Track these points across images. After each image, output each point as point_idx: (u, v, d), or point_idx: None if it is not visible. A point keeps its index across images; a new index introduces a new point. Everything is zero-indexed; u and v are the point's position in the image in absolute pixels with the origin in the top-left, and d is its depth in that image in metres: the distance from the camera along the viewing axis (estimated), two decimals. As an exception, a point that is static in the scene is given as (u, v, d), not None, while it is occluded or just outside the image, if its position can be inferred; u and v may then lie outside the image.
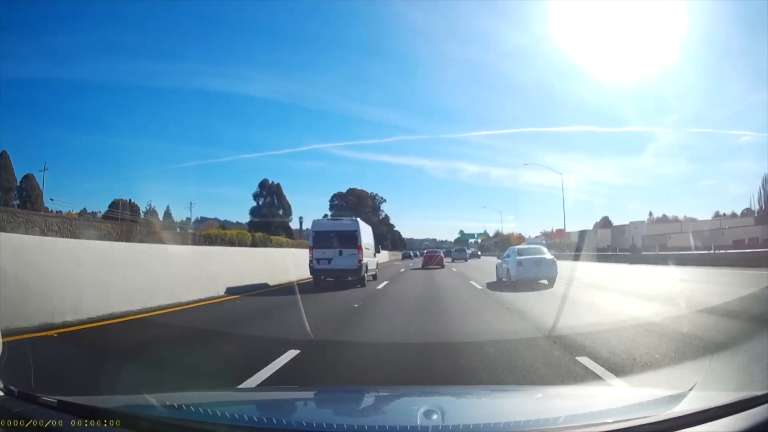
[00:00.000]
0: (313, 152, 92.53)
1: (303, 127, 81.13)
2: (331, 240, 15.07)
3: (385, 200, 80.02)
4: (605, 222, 73.97)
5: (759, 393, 1.57)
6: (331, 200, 75.55)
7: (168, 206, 63.59)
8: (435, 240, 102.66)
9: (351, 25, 62.19)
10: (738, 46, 44.58)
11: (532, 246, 16.54)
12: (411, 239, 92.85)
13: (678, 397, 1.72)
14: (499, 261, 16.36)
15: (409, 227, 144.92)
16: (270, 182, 64.97)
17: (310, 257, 15.15)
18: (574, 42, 53.32)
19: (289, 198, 64.68)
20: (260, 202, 64.24)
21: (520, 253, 14.45)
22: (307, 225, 68.18)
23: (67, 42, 52.25)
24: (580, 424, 1.58)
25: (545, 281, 13.58)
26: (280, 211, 63.88)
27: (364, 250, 15.29)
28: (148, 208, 58.05)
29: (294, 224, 68.13)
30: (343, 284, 14.60)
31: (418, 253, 51.13)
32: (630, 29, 50.39)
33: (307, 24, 59.72)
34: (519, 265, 13.69)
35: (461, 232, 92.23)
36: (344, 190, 76.11)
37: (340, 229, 15.54)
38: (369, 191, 77.43)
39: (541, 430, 1.61)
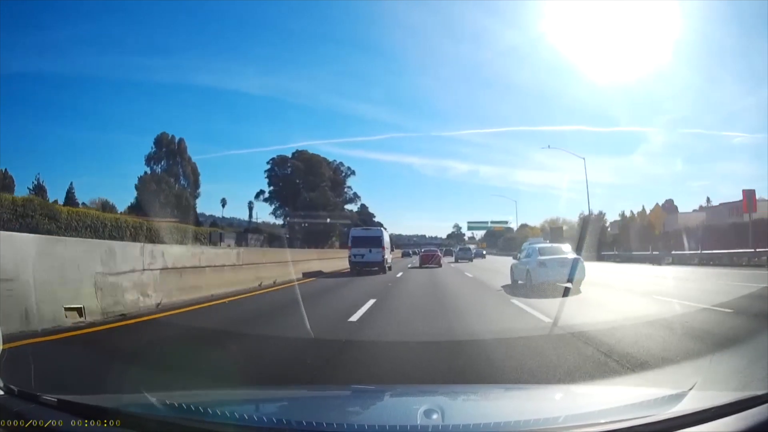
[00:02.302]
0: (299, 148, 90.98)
1: (290, 123, 78.45)
2: (363, 242, 21.76)
3: (353, 172, 59.72)
4: (670, 206, 55.02)
5: (759, 393, 1.57)
6: (270, 169, 54.53)
7: (72, 183, 46.77)
8: (424, 236, 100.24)
9: (342, 21, 62.43)
10: (732, 47, 44.62)
11: (554, 244, 14.53)
12: (399, 235, 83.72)
13: (678, 397, 1.73)
14: (515, 261, 14.91)
15: (397, 223, 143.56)
16: (169, 137, 45.51)
17: (349, 254, 21.97)
18: (566, 41, 53.89)
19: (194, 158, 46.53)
20: (154, 167, 45.14)
21: (542, 252, 12.83)
22: (258, 215, 61.76)
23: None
24: (580, 423, 1.58)
25: (569, 284, 11.64)
26: (182, 182, 45.71)
27: (386, 249, 22.07)
28: (35, 183, 41.94)
29: (213, 209, 54.87)
30: (369, 272, 20.69)
31: (417, 251, 50.77)
32: (623, 30, 50.71)
33: (297, 20, 59.47)
34: (541, 266, 12.12)
35: (456, 225, 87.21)
36: (290, 154, 54.75)
37: (370, 235, 22.56)
38: (329, 159, 57.72)
39: (541, 429, 1.61)
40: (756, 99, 49.42)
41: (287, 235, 48.81)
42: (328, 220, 51.33)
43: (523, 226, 68.88)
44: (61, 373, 4.16)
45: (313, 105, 77.03)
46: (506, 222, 70.35)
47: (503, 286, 13.37)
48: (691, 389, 1.78)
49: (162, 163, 45.55)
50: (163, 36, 59.97)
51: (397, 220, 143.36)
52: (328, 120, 76.73)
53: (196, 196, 47.11)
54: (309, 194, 52.12)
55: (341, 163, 59.49)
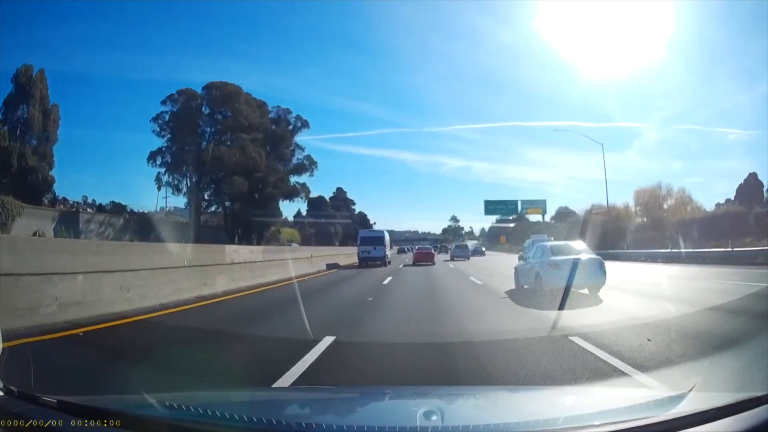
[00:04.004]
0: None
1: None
2: (369, 241, 28.04)
3: (305, 124, 40.01)
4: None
5: (759, 394, 1.56)
6: (171, 117, 33.81)
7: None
8: (417, 232, 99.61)
9: (335, 18, 62.37)
10: (726, 44, 44.56)
11: (567, 242, 12.50)
12: (392, 231, 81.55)
13: (678, 398, 1.73)
14: (520, 262, 13.33)
15: (389, 219, 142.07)
16: (27, 65, 29.04)
17: (358, 251, 27.97)
18: (560, 39, 54.20)
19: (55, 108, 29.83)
20: (9, 115, 29.06)
21: (553, 251, 10.93)
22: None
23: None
24: (580, 424, 1.58)
25: (585, 290, 10.00)
26: (40, 142, 29.44)
27: (386, 246, 28.79)
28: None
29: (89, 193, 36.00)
30: (373, 265, 25.85)
31: (411, 248, 50.72)
32: (617, 27, 50.84)
33: (290, 17, 59.34)
34: (554, 268, 10.11)
35: (454, 218, 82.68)
36: (199, 88, 34.81)
37: (374, 235, 29.31)
38: (266, 102, 38.03)
39: (541, 430, 1.61)
40: (750, 96, 49.39)
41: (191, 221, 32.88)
42: (273, 202, 36.54)
43: (562, 211, 51.90)
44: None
45: (302, 100, 76.52)
46: (543, 202, 48.90)
47: (507, 292, 11.55)
48: (691, 390, 1.78)
49: (15, 114, 29.59)
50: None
51: (389, 216, 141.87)
52: (318, 115, 76.24)
53: (47, 156, 29.99)
54: (219, 149, 32.68)
55: (288, 110, 38.08)
